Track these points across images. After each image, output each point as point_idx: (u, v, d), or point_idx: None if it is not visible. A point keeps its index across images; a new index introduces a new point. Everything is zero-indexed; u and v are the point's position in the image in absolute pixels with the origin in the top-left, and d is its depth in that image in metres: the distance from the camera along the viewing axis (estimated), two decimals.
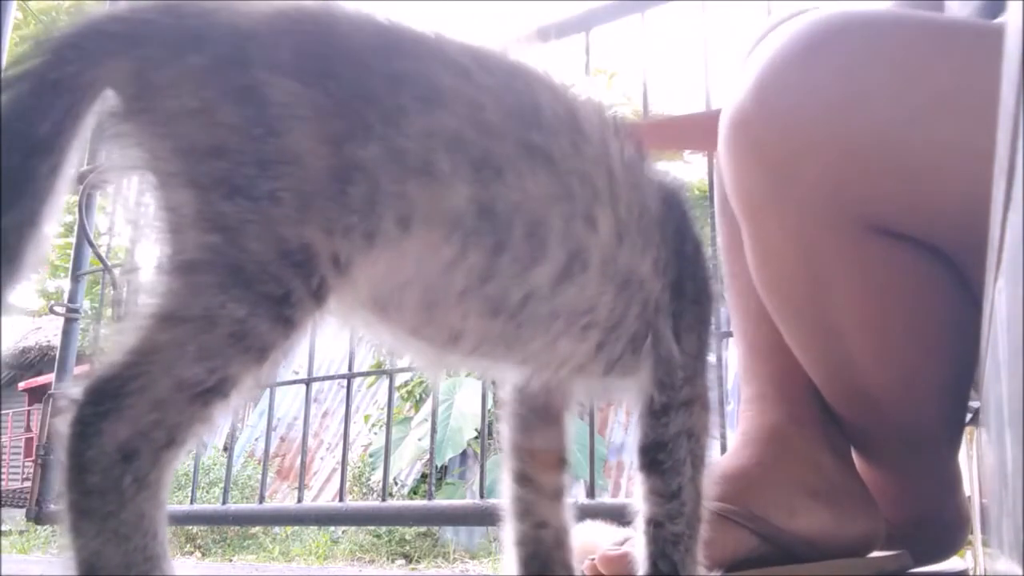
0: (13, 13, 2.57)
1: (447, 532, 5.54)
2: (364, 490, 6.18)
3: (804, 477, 0.83)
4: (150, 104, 0.52)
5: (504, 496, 0.75)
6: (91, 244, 2.32)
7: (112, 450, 0.47)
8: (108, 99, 0.52)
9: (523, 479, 0.74)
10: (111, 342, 0.51)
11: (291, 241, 0.51)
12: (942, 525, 0.87)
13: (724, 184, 0.84)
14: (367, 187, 0.54)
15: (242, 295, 0.50)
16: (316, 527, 5.30)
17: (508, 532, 0.75)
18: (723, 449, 1.43)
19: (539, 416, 0.74)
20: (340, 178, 0.53)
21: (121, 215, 0.56)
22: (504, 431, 0.76)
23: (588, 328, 0.65)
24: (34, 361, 11.52)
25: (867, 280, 0.77)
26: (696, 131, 1.10)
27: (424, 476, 5.92)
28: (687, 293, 0.69)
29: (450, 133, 0.56)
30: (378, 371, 3.72)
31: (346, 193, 0.53)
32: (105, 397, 0.48)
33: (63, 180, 0.51)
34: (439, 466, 5.69)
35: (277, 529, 5.93)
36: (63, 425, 0.48)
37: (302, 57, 0.53)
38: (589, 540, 1.00)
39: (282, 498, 7.07)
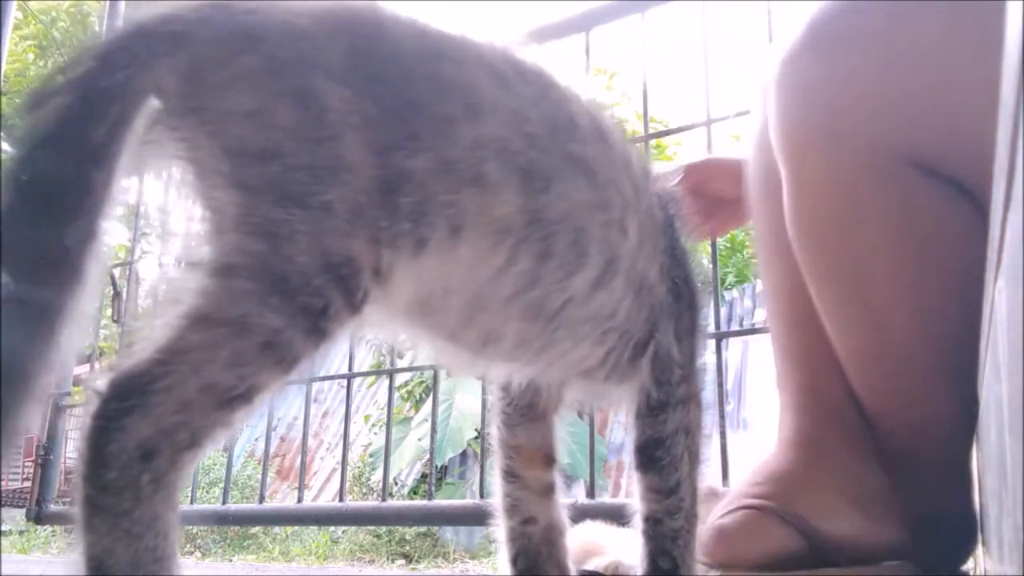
0: (13, 13, 2.57)
1: (447, 532, 5.54)
2: (364, 490, 6.17)
3: (843, 483, 0.84)
4: (202, 103, 0.51)
5: (495, 494, 0.76)
6: None
7: (133, 447, 0.46)
8: (154, 99, 0.51)
9: (510, 476, 0.75)
10: (138, 335, 0.50)
11: (338, 254, 0.51)
12: (954, 527, 0.87)
13: (771, 133, 0.84)
14: (418, 196, 0.53)
15: (281, 305, 0.49)
16: (316, 527, 5.30)
17: (500, 530, 0.76)
18: (723, 449, 1.43)
19: (523, 414, 0.75)
20: (390, 188, 0.52)
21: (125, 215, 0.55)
22: (493, 430, 0.77)
23: (608, 333, 0.66)
24: None
25: (903, 226, 0.78)
26: (725, 176, 1.11)
27: (424, 476, 5.92)
28: (684, 297, 0.70)
29: (498, 143, 0.56)
30: (378, 371, 3.72)
31: (396, 202, 0.52)
32: (131, 393, 0.47)
33: (117, 188, 0.50)
34: (439, 466, 5.68)
35: (277, 529, 5.93)
36: (85, 417, 0.48)
37: (353, 61, 0.52)
38: (589, 540, 1.00)
39: (282, 498, 7.06)
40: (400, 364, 2.16)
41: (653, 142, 1.78)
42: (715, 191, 1.12)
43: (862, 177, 0.77)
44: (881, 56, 0.74)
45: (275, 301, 0.49)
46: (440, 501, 2.39)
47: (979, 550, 0.85)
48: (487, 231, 0.56)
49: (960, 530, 0.86)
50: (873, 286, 0.80)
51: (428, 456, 3.45)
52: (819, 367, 0.87)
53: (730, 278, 7.08)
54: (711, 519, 0.82)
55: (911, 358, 0.82)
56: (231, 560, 5.62)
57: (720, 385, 1.54)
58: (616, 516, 1.18)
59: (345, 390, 1.87)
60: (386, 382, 2.00)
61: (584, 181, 0.61)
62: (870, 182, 0.76)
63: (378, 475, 5.81)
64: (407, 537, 5.47)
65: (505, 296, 0.59)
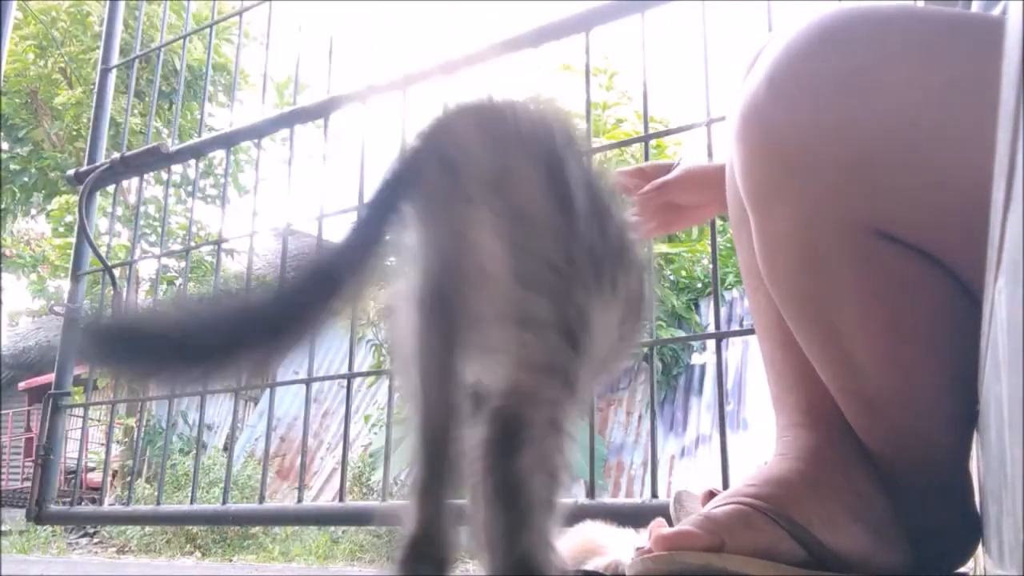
0: (13, 13, 2.57)
1: None
2: (364, 490, 6.18)
3: (846, 499, 0.83)
4: (490, 188, 0.63)
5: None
6: (91, 244, 2.32)
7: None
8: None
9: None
10: None
11: (579, 304, 0.62)
12: (954, 534, 0.87)
13: (736, 181, 0.84)
14: (596, 259, 0.64)
15: (571, 351, 0.60)
16: (316, 527, 5.30)
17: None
18: (723, 448, 1.43)
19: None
20: (588, 251, 0.63)
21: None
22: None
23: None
24: (34, 361, 11.52)
25: (867, 283, 0.77)
26: (694, 187, 1.14)
27: None
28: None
29: (603, 216, 0.66)
30: (378, 371, 3.71)
31: (589, 264, 0.63)
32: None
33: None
34: None
35: (277, 529, 5.93)
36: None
37: (560, 157, 0.65)
38: (589, 540, 1.01)
39: (282, 498, 7.06)
40: None
41: (653, 142, 1.78)
42: (681, 202, 1.17)
43: (824, 237, 0.76)
44: (842, 109, 0.73)
45: (567, 348, 0.61)
46: None
47: (979, 550, 0.85)
48: (620, 289, 0.67)
49: (960, 535, 0.85)
50: (843, 335, 0.79)
51: None
52: (814, 387, 0.86)
53: (730, 278, 7.08)
54: (702, 511, 0.82)
55: (888, 398, 0.81)
56: (231, 560, 5.63)
57: (720, 385, 1.54)
58: (616, 516, 1.18)
59: (345, 390, 1.87)
60: (386, 382, 2.01)
61: (638, 245, 0.71)
62: (832, 242, 0.76)
63: (378, 475, 5.81)
64: None
65: (616, 337, 0.69)
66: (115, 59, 2.52)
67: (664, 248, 6.95)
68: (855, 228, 0.75)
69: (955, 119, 0.69)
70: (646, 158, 1.59)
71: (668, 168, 1.19)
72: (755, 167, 0.78)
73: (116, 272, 2.32)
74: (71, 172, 2.39)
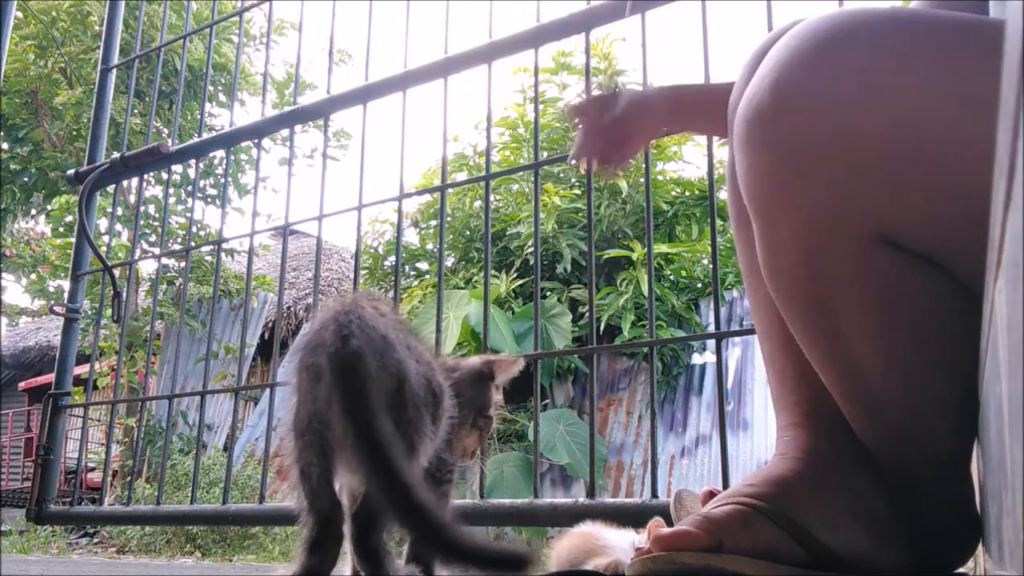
0: (13, 13, 2.57)
1: None
2: None
3: (846, 499, 0.83)
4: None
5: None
6: (91, 244, 2.32)
7: None
8: None
9: None
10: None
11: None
12: (954, 532, 0.87)
13: (739, 186, 0.83)
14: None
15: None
16: None
17: None
18: (723, 449, 1.43)
19: None
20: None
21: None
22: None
23: None
24: (34, 361, 11.52)
25: (872, 289, 0.77)
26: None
27: None
28: None
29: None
30: None
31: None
32: None
33: None
34: None
35: (277, 529, 5.93)
36: None
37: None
38: (589, 540, 1.01)
39: (282, 498, 7.05)
40: None
41: (653, 142, 1.78)
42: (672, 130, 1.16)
43: (827, 243, 0.76)
44: (848, 121, 0.72)
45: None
46: None
47: (979, 550, 0.85)
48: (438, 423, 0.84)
49: (960, 535, 0.85)
50: (846, 340, 0.79)
51: None
52: (815, 387, 0.86)
53: (730, 278, 7.08)
54: (701, 511, 0.82)
55: (890, 402, 0.81)
56: (231, 560, 5.62)
57: (720, 385, 1.54)
58: (616, 516, 1.18)
59: None
60: None
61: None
62: (836, 248, 0.76)
63: None
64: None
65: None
66: (115, 59, 2.52)
67: (664, 248, 6.95)
68: (860, 234, 0.75)
69: (962, 124, 0.68)
70: (646, 158, 1.59)
71: (611, 99, 1.14)
72: (759, 173, 0.78)
73: (116, 272, 2.32)
74: (71, 172, 2.39)
